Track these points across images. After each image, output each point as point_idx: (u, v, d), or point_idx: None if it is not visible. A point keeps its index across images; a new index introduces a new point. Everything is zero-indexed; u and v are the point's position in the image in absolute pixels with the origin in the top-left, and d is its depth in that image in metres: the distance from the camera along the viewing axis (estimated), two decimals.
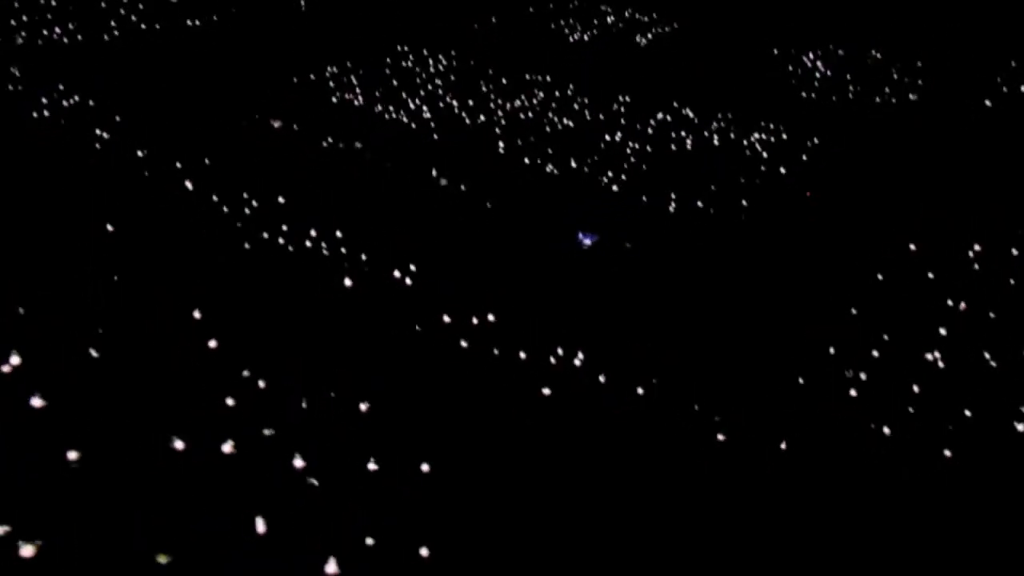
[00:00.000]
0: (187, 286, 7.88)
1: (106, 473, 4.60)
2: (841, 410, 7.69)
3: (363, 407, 6.43)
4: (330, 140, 14.65)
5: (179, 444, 5.10)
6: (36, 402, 4.97)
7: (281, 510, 4.66)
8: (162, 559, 4.03)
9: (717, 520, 6.01)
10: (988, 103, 16.58)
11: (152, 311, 7.18)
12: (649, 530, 5.77)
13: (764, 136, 15.21)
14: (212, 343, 6.61)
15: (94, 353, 5.86)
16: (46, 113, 13.37)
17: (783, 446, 6.96)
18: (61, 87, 14.50)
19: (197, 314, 7.18)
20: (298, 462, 5.29)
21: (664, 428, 7.20)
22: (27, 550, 3.83)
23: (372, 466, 5.53)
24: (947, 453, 6.84)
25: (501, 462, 6.13)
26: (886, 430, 7.24)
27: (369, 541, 4.71)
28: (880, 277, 10.34)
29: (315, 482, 5.20)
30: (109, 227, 9.00)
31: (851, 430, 7.32)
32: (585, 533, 5.58)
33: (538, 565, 5.20)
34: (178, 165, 11.64)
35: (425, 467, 5.69)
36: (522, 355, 8.14)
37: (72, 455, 4.65)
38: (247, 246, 9.40)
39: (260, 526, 4.42)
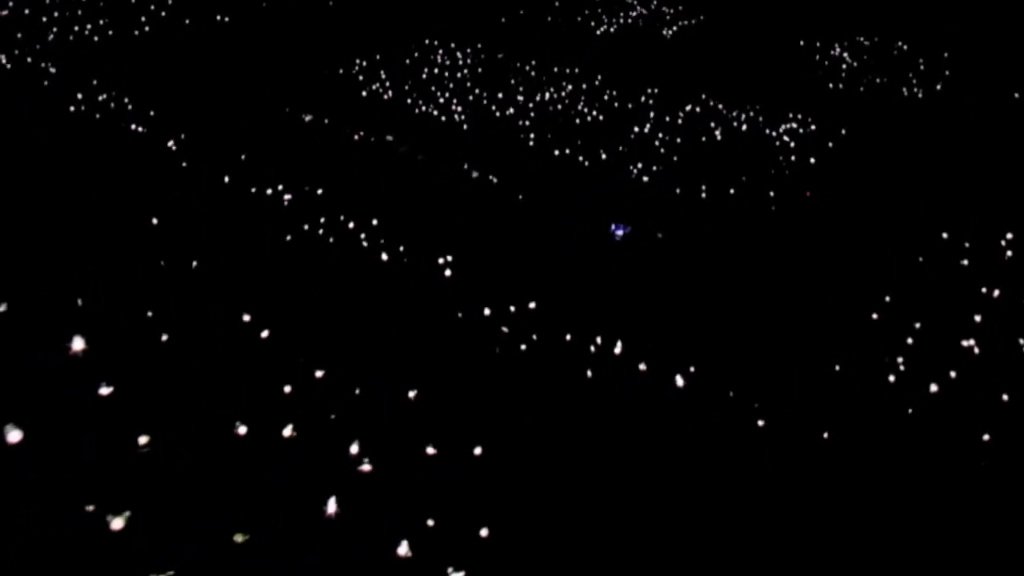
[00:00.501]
0: (234, 277, 8.05)
1: (176, 457, 4.76)
2: (879, 396, 7.81)
3: (411, 394, 6.57)
4: (361, 133, 14.82)
5: (242, 429, 5.26)
6: (104, 390, 5.12)
7: (346, 493, 4.81)
8: (239, 538, 4.17)
9: (760, 506, 6.12)
10: (1017, 95, 16.58)
11: (201, 302, 7.35)
12: (691, 515, 5.90)
13: (793, 127, 15.31)
14: (264, 333, 6.76)
15: (161, 339, 6.03)
16: (82, 108, 13.55)
17: (825, 435, 7.07)
18: (95, 82, 14.68)
19: (245, 303, 7.34)
20: (355, 448, 5.44)
21: (704, 414, 7.33)
22: (117, 523, 3.98)
23: (430, 450, 5.69)
24: (985, 437, 6.94)
25: (549, 446, 6.28)
26: (925, 413, 7.36)
27: (430, 522, 4.86)
28: (915, 264, 10.47)
29: (369, 467, 5.35)
30: (154, 220, 9.15)
31: (889, 415, 7.44)
32: (632, 516, 5.72)
33: (587, 544, 5.34)
34: (214, 159, 11.80)
35: (478, 450, 5.84)
36: (562, 343, 8.28)
37: (142, 439, 4.81)
38: (288, 238, 9.55)
39: (331, 507, 4.57)
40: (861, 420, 7.31)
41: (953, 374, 7.95)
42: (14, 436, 4.08)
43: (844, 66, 18.33)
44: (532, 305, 8.99)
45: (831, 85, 17.50)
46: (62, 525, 3.83)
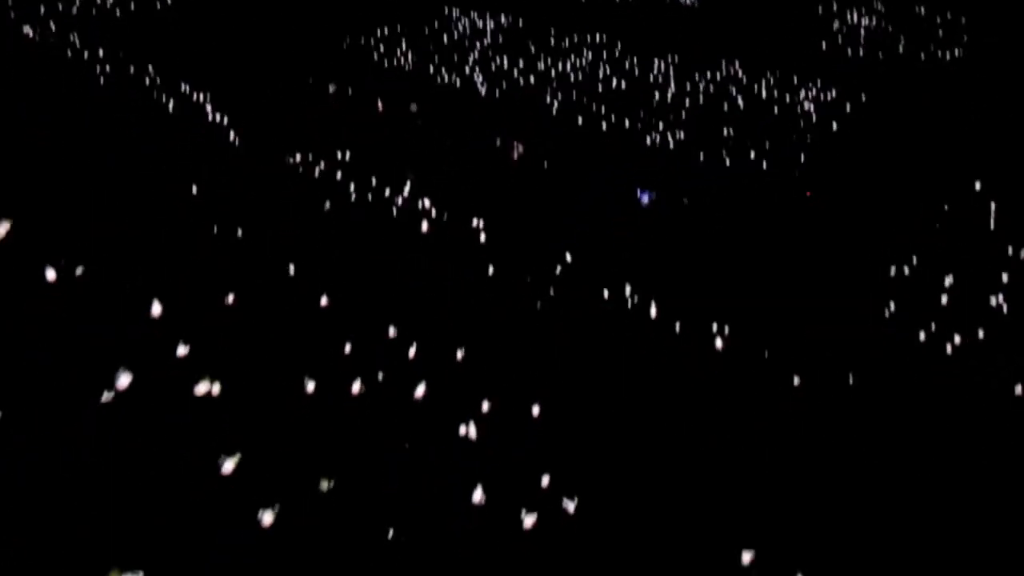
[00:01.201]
0: (283, 243, 8.28)
1: (255, 410, 5.03)
2: (909, 352, 8.08)
3: (459, 354, 6.82)
4: (383, 103, 15.00)
5: (311, 386, 5.53)
6: (181, 350, 5.39)
7: (415, 443, 5.08)
8: (324, 485, 4.43)
9: (803, 458, 6.35)
10: None
11: (254, 267, 7.60)
12: (736, 471, 6.13)
13: (814, 93, 15.46)
14: (323, 300, 6.99)
15: (227, 300, 6.28)
16: (112, 80, 13.71)
17: (850, 380, 7.33)
18: (121, 55, 14.84)
19: (296, 268, 7.60)
20: (420, 391, 5.73)
21: (744, 371, 7.58)
22: (228, 465, 4.25)
23: (484, 407, 5.93)
24: (1018, 390, 7.18)
25: (596, 404, 6.53)
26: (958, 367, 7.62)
27: (496, 472, 5.13)
28: (942, 222, 10.72)
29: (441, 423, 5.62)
30: (193, 188, 9.36)
31: (920, 372, 7.71)
32: (677, 468, 5.96)
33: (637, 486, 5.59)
34: (245, 130, 12.00)
35: (535, 410, 6.09)
36: (599, 302, 8.55)
37: (215, 389, 5.07)
38: (327, 205, 9.76)
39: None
40: (896, 375, 7.56)
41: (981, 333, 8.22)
42: (124, 380, 4.33)
43: (862, 31, 18.44)
44: (566, 265, 9.24)
45: (849, 51, 17.62)
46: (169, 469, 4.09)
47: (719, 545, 4.96)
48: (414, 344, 6.55)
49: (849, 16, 19.10)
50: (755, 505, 5.76)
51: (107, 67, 14.12)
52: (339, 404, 5.49)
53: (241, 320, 6.39)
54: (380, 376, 5.97)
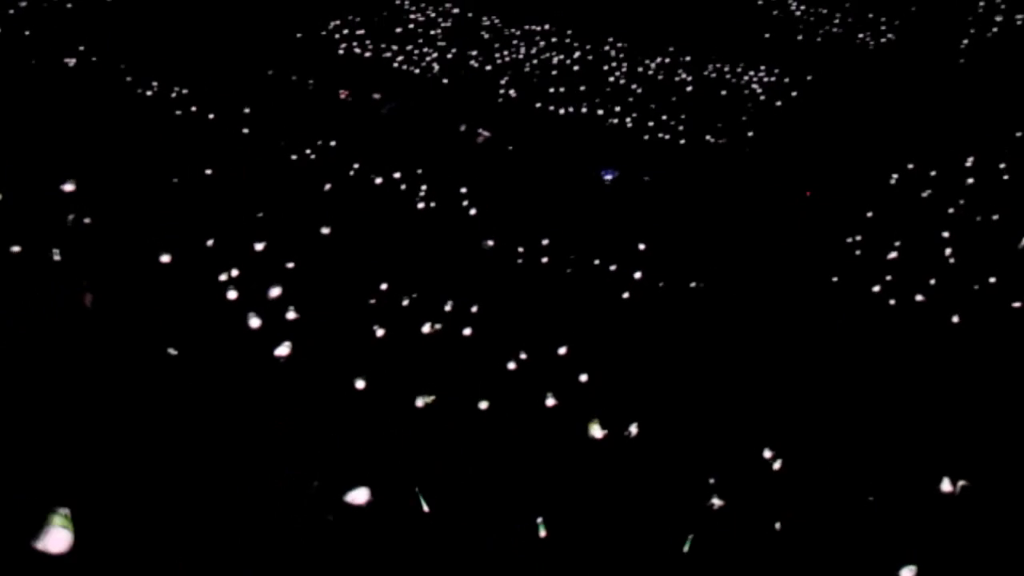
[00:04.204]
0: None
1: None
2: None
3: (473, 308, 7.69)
4: (344, 92, 15.58)
5: (426, 328, 6.59)
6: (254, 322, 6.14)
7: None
8: (420, 402, 5.23)
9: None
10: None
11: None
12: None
13: (760, 75, 16.46)
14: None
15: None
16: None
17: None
18: (81, 48, 15.00)
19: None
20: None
21: (720, 318, 8.52)
22: (420, 401, 5.13)
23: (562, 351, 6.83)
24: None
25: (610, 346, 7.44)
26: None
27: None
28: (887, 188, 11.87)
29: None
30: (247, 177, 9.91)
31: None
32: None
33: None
34: (220, 117, 12.55)
35: (562, 350, 6.97)
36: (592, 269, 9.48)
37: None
38: (327, 186, 10.47)
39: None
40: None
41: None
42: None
43: (798, 13, 19.32)
44: (545, 242, 10.05)
45: (788, 35, 18.56)
46: None
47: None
48: (449, 302, 7.45)
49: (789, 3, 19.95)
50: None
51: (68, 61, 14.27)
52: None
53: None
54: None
